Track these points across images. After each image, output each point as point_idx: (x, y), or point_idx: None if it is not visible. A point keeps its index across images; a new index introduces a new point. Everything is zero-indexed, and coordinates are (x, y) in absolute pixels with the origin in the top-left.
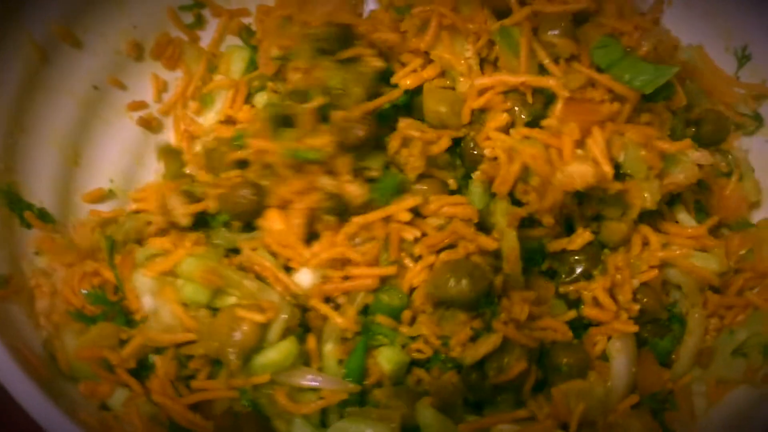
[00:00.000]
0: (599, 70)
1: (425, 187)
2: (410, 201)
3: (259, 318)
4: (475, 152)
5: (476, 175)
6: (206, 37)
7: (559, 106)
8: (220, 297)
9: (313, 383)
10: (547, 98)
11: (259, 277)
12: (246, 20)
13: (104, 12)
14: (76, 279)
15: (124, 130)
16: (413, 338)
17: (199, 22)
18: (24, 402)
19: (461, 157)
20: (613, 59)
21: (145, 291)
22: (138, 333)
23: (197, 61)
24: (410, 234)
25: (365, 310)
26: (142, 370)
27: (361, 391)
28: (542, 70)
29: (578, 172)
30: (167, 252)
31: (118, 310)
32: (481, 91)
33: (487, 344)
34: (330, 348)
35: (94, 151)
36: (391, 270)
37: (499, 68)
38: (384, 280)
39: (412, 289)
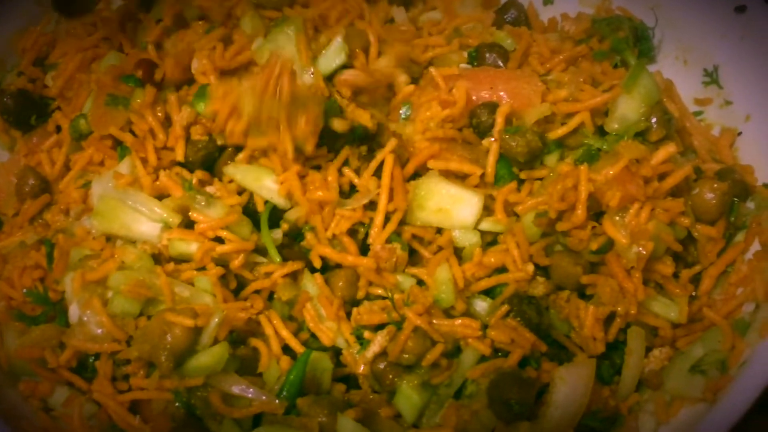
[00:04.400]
0: None
1: None
2: None
3: (188, 322)
4: None
5: None
6: None
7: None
8: (153, 304)
9: (243, 393)
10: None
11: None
12: None
13: None
14: (16, 273)
15: None
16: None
17: None
18: None
19: None
20: None
21: (71, 299)
22: (69, 340)
23: None
24: None
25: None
26: (82, 369)
27: None
28: None
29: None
30: (99, 254)
31: (59, 310)
32: None
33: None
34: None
35: None
36: None
37: None
38: None
39: None
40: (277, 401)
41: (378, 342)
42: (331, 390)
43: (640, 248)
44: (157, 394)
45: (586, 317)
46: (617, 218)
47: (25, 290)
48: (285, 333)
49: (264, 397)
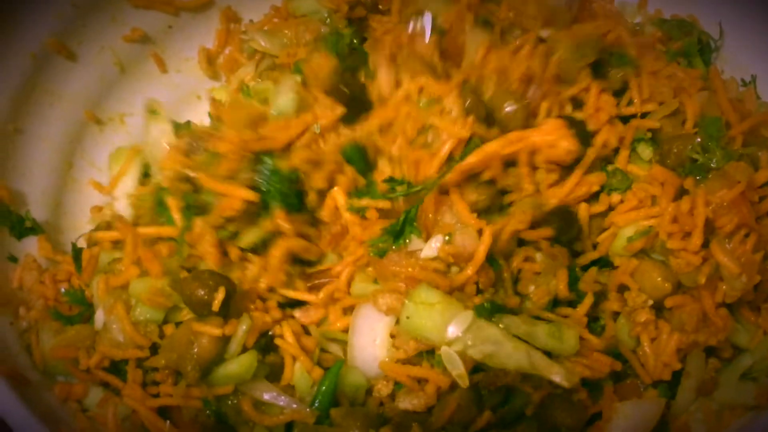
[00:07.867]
0: None
1: None
2: None
3: (216, 331)
4: None
5: None
6: None
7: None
8: (177, 312)
9: (274, 401)
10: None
11: None
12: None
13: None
14: (53, 272)
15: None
16: None
17: None
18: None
19: None
20: None
21: (98, 304)
22: (97, 345)
23: None
24: None
25: None
26: (115, 370)
27: None
28: None
29: None
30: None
31: (94, 311)
32: None
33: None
34: (299, 366)
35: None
36: None
37: None
38: None
39: None
40: (308, 410)
41: (410, 402)
42: (366, 402)
43: (746, 279)
44: (185, 401)
45: (668, 344)
46: (726, 245)
47: (63, 289)
48: (295, 350)
49: (295, 406)
